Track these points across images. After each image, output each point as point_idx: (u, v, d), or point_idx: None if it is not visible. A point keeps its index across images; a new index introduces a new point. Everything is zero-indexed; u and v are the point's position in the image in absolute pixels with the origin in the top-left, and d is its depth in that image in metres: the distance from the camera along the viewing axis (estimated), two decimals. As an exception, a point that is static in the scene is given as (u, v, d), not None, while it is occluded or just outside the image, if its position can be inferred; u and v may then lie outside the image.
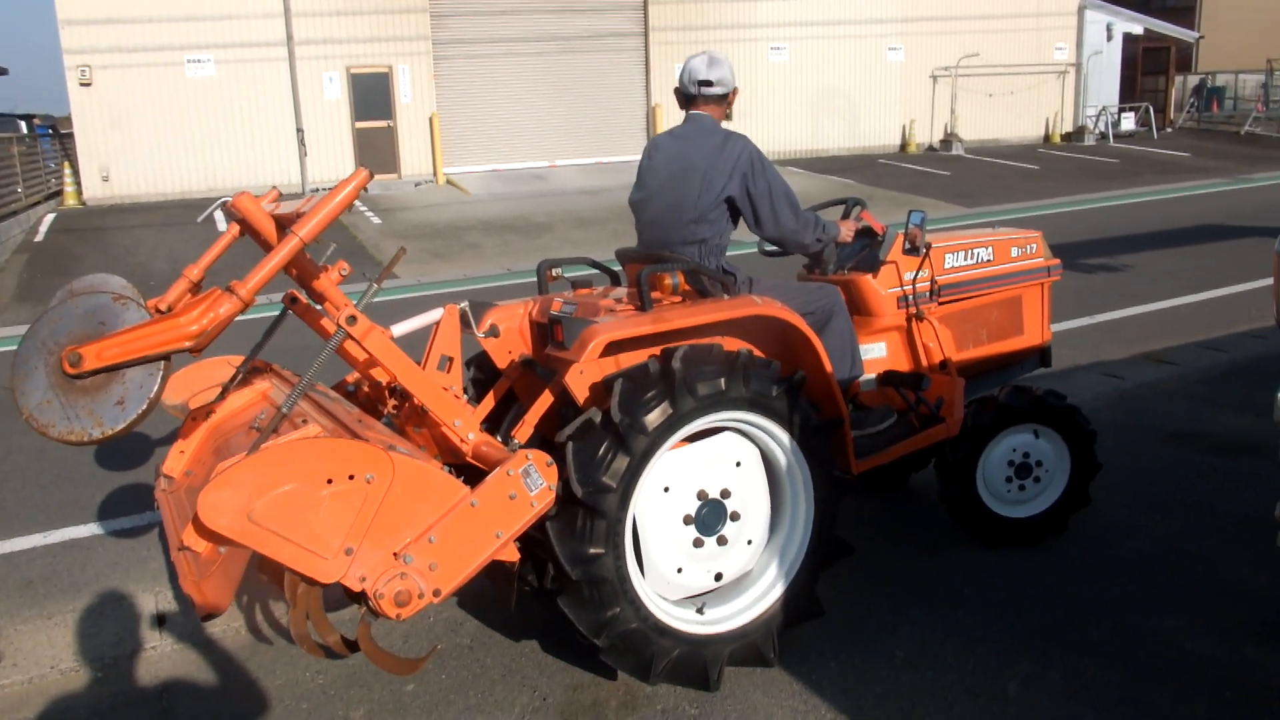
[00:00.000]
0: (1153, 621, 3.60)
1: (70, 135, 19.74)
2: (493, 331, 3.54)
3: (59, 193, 19.76)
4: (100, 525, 4.99)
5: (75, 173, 19.35)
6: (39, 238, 16.21)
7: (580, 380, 3.12)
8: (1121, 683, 3.24)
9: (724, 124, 3.81)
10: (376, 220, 17.26)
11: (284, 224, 2.83)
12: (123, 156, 19.15)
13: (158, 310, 2.74)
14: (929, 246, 4.01)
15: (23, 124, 24.41)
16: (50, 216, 18.00)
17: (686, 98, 3.81)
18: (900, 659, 3.43)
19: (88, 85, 18.69)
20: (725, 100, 3.80)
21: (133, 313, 2.50)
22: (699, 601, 3.39)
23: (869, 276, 4.01)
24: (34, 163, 19.96)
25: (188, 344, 2.50)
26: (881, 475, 4.51)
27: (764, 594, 3.41)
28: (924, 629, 3.62)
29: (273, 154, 20.04)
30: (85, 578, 4.40)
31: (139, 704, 3.46)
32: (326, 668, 3.53)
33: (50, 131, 23.80)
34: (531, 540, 2.99)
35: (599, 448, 2.98)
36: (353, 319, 2.84)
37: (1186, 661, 3.35)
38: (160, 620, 3.96)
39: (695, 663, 3.25)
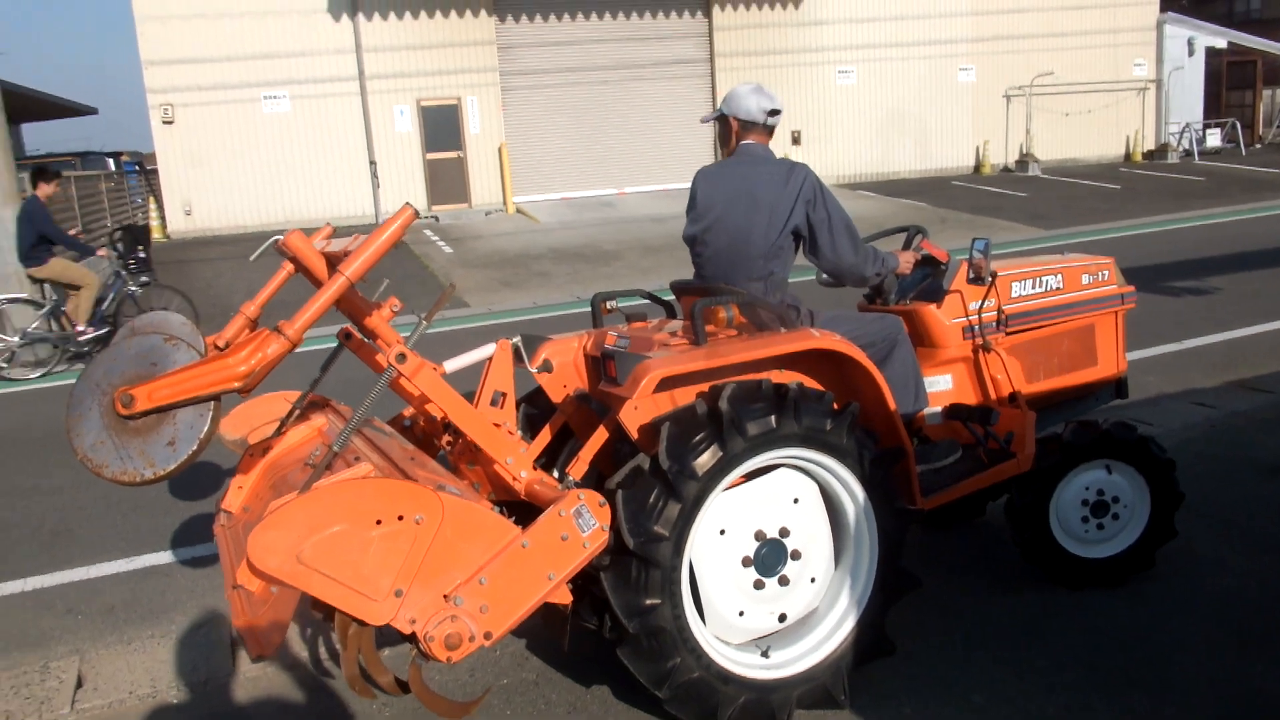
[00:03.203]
0: (1241, 666, 3.39)
1: (155, 171, 20.43)
2: (546, 366, 3.50)
3: (145, 227, 20.45)
4: (179, 552, 5.10)
5: (160, 207, 20.05)
6: (126, 271, 16.76)
7: (634, 416, 3.06)
8: (1209, 732, 3.06)
9: (785, 151, 3.72)
10: (448, 250, 17.50)
11: (334, 262, 2.83)
12: (203, 191, 19.77)
13: (216, 347, 2.76)
14: (994, 275, 3.88)
15: (110, 161, 25.38)
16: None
17: (747, 125, 3.73)
18: (977, 704, 3.29)
19: (170, 123, 19.37)
20: (774, 129, 3.72)
21: (183, 353, 2.51)
22: (764, 644, 3.29)
23: (932, 306, 3.89)
24: (121, 198, 20.70)
25: (236, 385, 2.50)
26: (956, 506, 4.35)
27: (831, 633, 3.30)
28: (1001, 672, 3.47)
29: (347, 186, 20.51)
30: (164, 604, 4.50)
31: (213, 732, 3.49)
32: (393, 701, 3.50)
33: (137, 168, 24.71)
34: (591, 579, 2.93)
35: (649, 496, 2.90)
36: (402, 356, 2.82)
37: (1277, 709, 3.14)
38: (236, 648, 4.00)
39: (763, 709, 3.15)
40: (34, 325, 10.28)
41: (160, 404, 2.45)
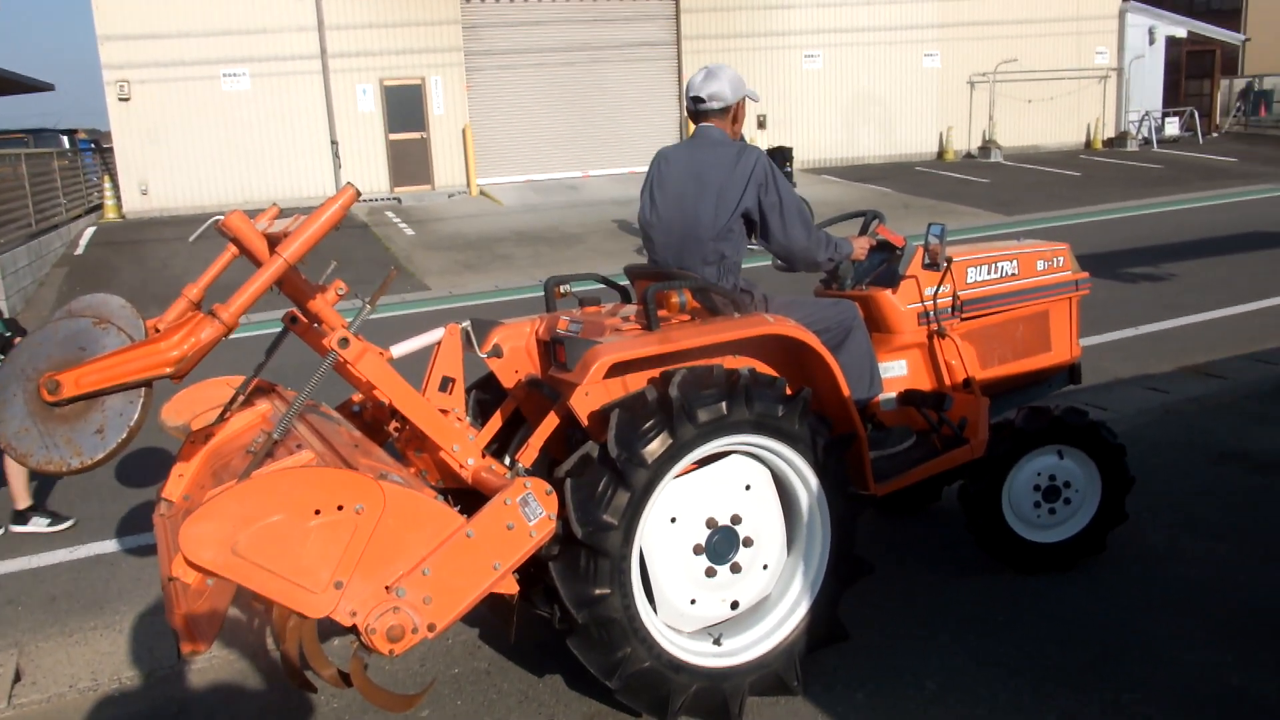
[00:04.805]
0: (1199, 654, 3.41)
1: (111, 149, 20.01)
2: (495, 351, 3.44)
3: (100, 206, 20.02)
4: (125, 540, 5.00)
5: (115, 186, 19.59)
6: (79, 251, 16.41)
7: (585, 403, 3.01)
8: (1164, 719, 3.06)
9: (751, 136, 3.70)
10: (410, 232, 17.31)
11: (276, 243, 2.74)
12: (161, 170, 19.35)
13: (156, 330, 2.67)
14: (950, 260, 3.87)
15: (65, 139, 24.80)
16: (90, 230, 18.23)
17: (692, 113, 3.71)
18: (931, 691, 3.28)
19: (126, 100, 18.93)
20: (728, 113, 3.68)
21: (113, 338, 2.42)
22: (716, 631, 3.26)
23: (888, 292, 3.87)
24: (75, 177, 20.23)
25: (168, 370, 2.42)
26: (911, 492, 4.34)
27: (784, 619, 3.29)
28: (955, 658, 3.46)
29: (308, 166, 20.17)
30: (108, 594, 4.41)
31: (153, 726, 3.41)
32: (340, 693, 3.44)
33: (93, 146, 24.16)
34: (543, 567, 2.89)
35: (598, 484, 2.86)
36: (345, 341, 2.75)
37: (1234, 697, 3.15)
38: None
39: (715, 697, 3.12)
40: None
41: (88, 390, 2.37)
